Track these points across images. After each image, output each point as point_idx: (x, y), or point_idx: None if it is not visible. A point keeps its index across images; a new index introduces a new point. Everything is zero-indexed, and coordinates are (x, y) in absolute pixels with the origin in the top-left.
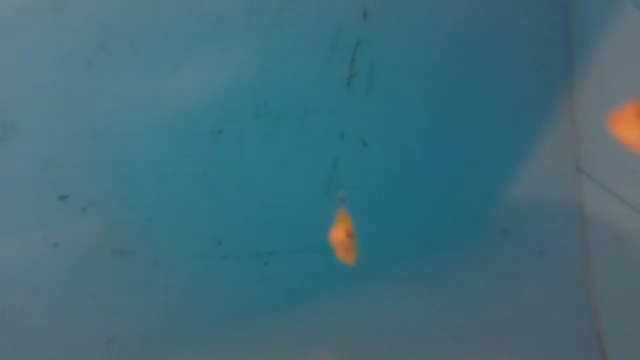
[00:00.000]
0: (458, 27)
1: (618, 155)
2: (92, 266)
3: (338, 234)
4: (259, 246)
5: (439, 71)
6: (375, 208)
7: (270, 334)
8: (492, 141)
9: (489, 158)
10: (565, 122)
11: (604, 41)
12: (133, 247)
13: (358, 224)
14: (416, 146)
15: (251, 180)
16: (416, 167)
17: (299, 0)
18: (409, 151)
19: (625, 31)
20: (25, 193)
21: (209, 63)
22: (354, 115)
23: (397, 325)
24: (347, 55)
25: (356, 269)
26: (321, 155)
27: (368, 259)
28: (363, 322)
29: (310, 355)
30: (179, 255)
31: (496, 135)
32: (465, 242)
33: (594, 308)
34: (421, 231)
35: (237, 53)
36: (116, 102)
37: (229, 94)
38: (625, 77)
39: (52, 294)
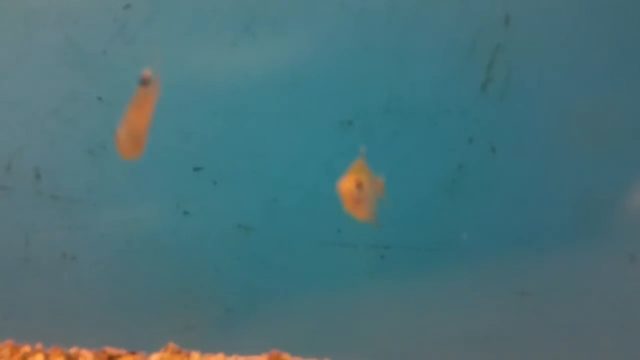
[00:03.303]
0: (600, 42)
1: None
2: (217, 237)
3: (347, 183)
4: (377, 239)
5: (578, 83)
6: (497, 216)
7: (377, 325)
8: (627, 160)
9: (623, 177)
10: None
11: None
12: (257, 225)
13: (478, 229)
14: (547, 157)
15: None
16: (545, 179)
17: (441, 0)
18: (538, 162)
19: None
20: (163, 161)
21: (347, 54)
22: (485, 120)
23: (509, 336)
24: (485, 59)
25: (473, 276)
26: (447, 157)
27: (486, 266)
28: (475, 329)
29: (413, 350)
30: (299, 238)
31: (634, 153)
32: (590, 261)
33: None
34: (545, 245)
35: (375, 47)
36: (255, 83)
37: (363, 86)
38: None
39: (179, 258)
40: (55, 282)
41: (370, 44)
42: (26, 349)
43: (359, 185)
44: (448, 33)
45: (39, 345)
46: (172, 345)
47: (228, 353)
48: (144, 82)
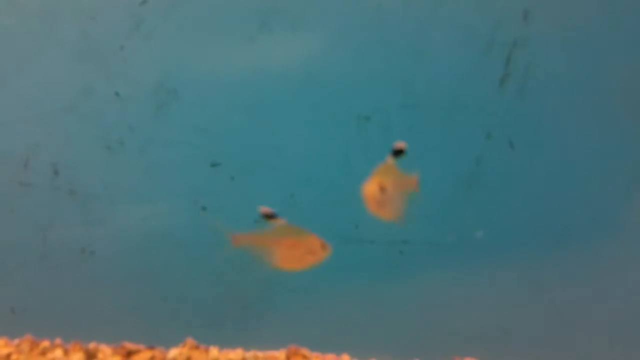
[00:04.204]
0: (620, 36)
1: None
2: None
3: (371, 187)
4: (395, 234)
5: (597, 80)
6: (515, 211)
7: (395, 321)
8: None
9: None
10: None
11: None
12: None
13: (496, 224)
14: (565, 153)
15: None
16: (563, 175)
17: None
18: (556, 157)
19: None
20: (181, 157)
21: (364, 49)
22: (503, 116)
23: (526, 331)
24: (503, 54)
25: (491, 270)
26: (465, 152)
27: (504, 261)
28: (492, 324)
29: (431, 346)
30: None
31: None
32: (607, 257)
33: None
34: (562, 240)
35: (392, 41)
36: (272, 78)
37: (381, 81)
38: None
39: (196, 254)
40: (73, 277)
41: (387, 38)
42: (45, 344)
43: (382, 189)
44: (466, 27)
45: (58, 340)
46: (190, 340)
47: (246, 348)
48: (269, 217)
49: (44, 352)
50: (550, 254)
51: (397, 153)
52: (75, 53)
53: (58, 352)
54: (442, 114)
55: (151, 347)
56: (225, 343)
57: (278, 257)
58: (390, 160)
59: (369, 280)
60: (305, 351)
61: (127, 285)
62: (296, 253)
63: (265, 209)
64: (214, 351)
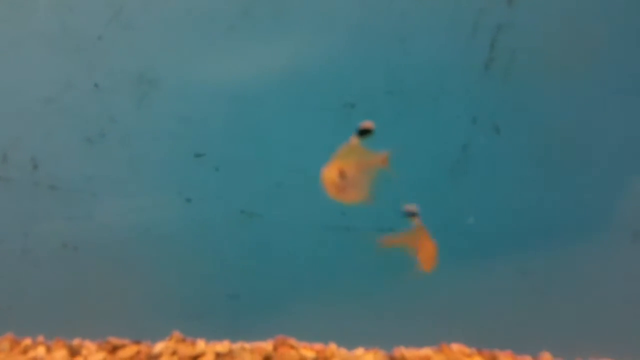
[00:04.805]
0: (604, 20)
1: None
2: (221, 224)
3: (329, 173)
4: (382, 221)
5: (582, 62)
6: (501, 196)
7: (384, 307)
8: (633, 139)
9: (630, 157)
10: None
11: None
12: (260, 210)
13: (482, 210)
14: (551, 137)
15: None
16: (549, 159)
17: None
18: (542, 142)
19: None
20: (163, 148)
21: (347, 36)
22: (488, 101)
23: (511, 315)
24: (487, 39)
25: (476, 255)
26: (451, 138)
27: (489, 246)
28: (478, 308)
29: (419, 333)
30: (303, 222)
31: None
32: (591, 240)
33: None
34: (547, 224)
35: (376, 28)
36: (254, 68)
37: (365, 68)
38: None
39: (181, 246)
40: (56, 273)
41: (371, 25)
42: (27, 341)
43: (342, 174)
44: (450, 12)
45: (40, 338)
46: (176, 333)
47: (234, 340)
48: (412, 214)
49: (25, 351)
50: (537, 240)
51: (364, 132)
52: (53, 44)
53: (40, 350)
54: (428, 100)
55: (137, 342)
56: (213, 335)
57: (417, 258)
58: (354, 140)
59: (356, 267)
60: (292, 341)
61: (111, 280)
62: (425, 254)
63: (409, 206)
64: (200, 344)
